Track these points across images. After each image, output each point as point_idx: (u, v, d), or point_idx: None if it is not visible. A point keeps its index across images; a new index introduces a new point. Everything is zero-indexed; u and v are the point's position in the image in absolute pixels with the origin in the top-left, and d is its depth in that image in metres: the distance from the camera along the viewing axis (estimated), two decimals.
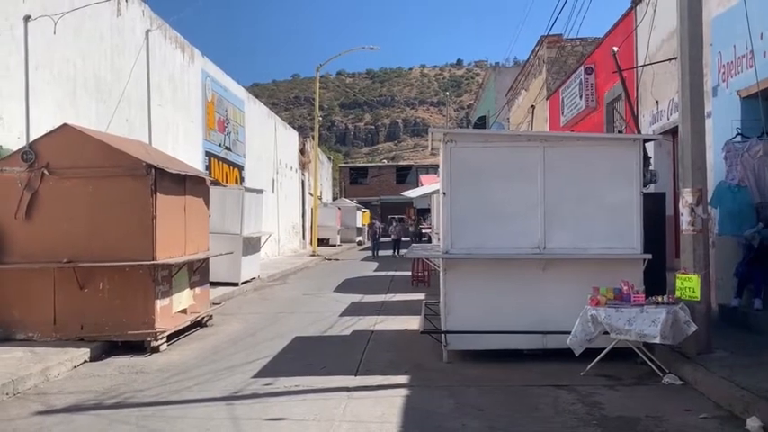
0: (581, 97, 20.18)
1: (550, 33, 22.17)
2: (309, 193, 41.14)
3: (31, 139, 11.25)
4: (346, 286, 19.70)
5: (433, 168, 56.16)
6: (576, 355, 8.48)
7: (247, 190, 20.43)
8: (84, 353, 9.72)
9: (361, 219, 52.93)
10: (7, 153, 10.92)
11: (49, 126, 11.24)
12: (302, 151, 40.85)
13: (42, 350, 9.62)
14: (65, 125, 10.91)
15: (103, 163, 10.51)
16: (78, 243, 10.36)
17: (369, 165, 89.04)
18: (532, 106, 24.62)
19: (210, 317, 13.09)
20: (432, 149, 11.67)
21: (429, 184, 26.49)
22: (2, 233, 10.46)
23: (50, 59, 12.52)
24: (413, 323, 12.15)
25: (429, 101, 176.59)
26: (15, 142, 11.27)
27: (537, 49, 26.46)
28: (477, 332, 9.20)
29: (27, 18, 11.73)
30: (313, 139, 41.62)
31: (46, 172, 10.46)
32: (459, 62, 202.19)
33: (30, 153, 10.55)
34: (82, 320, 10.35)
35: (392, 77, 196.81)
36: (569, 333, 8.52)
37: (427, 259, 14.45)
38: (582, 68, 20.21)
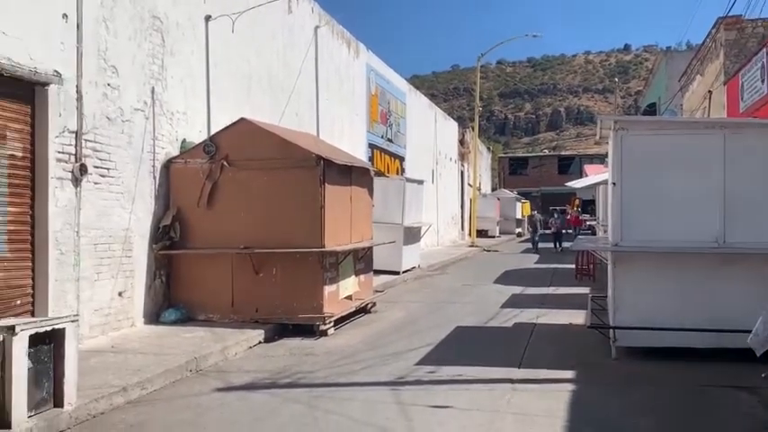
0: (763, 81, 18.74)
1: (729, 15, 20.67)
2: (468, 184, 41.08)
3: (212, 133, 11.99)
4: (507, 278, 19.51)
5: (597, 158, 54.27)
6: (758, 355, 7.89)
7: (408, 180, 20.72)
8: (259, 334, 10.26)
9: (521, 210, 52.17)
10: (190, 146, 11.71)
11: (227, 120, 11.92)
12: (461, 142, 40.83)
13: (221, 330, 10.27)
14: (242, 119, 11.55)
15: (276, 154, 11.03)
16: (253, 230, 10.95)
17: (529, 155, 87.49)
18: (709, 92, 23.15)
19: (374, 304, 13.41)
20: (599, 138, 11.27)
21: (594, 175, 25.57)
22: (186, 220, 11.26)
23: (228, 57, 13.28)
24: (578, 317, 11.83)
25: (593, 88, 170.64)
26: (197, 136, 12.06)
27: (714, 31, 24.84)
28: (648, 329, 8.80)
29: (208, 18, 12.50)
30: (472, 129, 41.51)
31: (225, 163, 11.13)
32: (627, 47, 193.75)
33: (211, 146, 11.27)
34: (257, 304, 10.94)
35: (554, 65, 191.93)
36: (748, 332, 7.95)
37: (594, 252, 13.99)
38: (764, 51, 18.75)
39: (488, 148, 63.81)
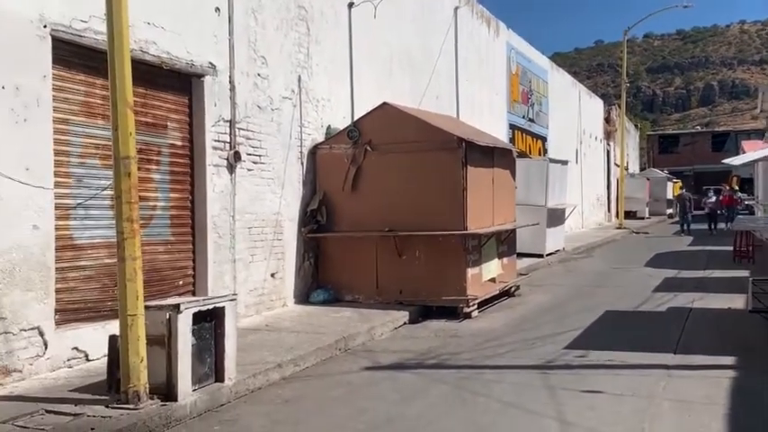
0: None
1: None
2: (615, 164, 39.59)
3: (355, 118, 12.22)
4: (658, 261, 18.67)
5: (756, 133, 50.75)
6: None
7: (552, 161, 20.23)
8: (404, 316, 10.40)
9: (672, 190, 49.70)
10: (335, 132, 12.00)
11: (369, 105, 12.10)
12: (607, 120, 39.37)
13: (366, 311, 10.49)
14: (384, 103, 11.69)
15: (418, 137, 11.09)
16: (396, 213, 11.08)
17: (680, 132, 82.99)
18: None
19: (518, 287, 13.25)
20: (759, 111, 10.54)
21: (753, 151, 23.92)
22: (332, 204, 11.56)
23: (369, 42, 13.47)
24: (737, 302, 11.16)
25: (749, 60, 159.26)
26: (341, 121, 12.33)
27: None
28: None
29: (350, 5, 12.73)
30: (618, 107, 39.88)
31: (368, 148, 11.32)
32: None
33: (354, 131, 11.49)
34: (400, 285, 11.08)
35: (706, 37, 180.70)
36: None
37: (755, 232, 13.13)
38: None
39: (636, 126, 61.16)
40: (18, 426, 5.50)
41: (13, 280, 6.70)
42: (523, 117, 24.41)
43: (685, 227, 30.25)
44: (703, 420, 5.85)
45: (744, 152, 28.39)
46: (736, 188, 38.25)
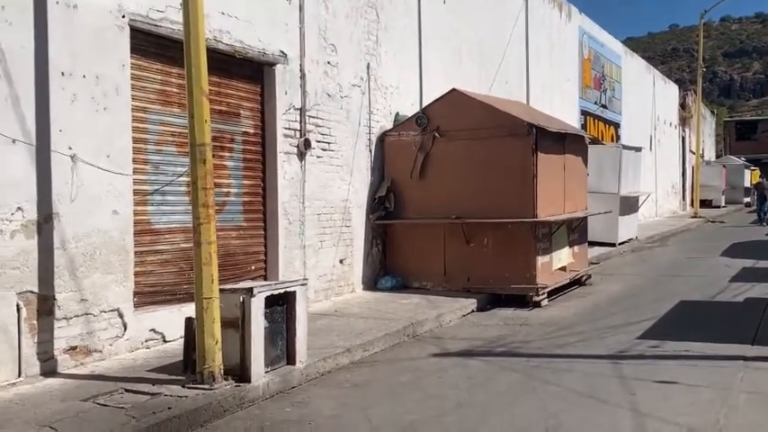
0: None
1: None
2: (690, 151, 38.41)
3: (423, 105, 12.19)
4: (735, 250, 18.06)
5: None
6: None
7: (625, 148, 19.75)
8: (472, 303, 10.36)
9: (750, 178, 47.98)
10: (403, 119, 11.99)
11: (438, 92, 12.04)
12: (682, 106, 38.18)
13: (434, 298, 10.50)
14: (452, 90, 11.62)
15: (487, 124, 10.99)
16: (464, 200, 11.02)
17: (758, 118, 79.85)
18: None
19: (589, 276, 13.03)
20: None
21: None
22: (400, 191, 11.58)
23: (439, 29, 13.40)
24: None
25: None
26: (409, 109, 12.31)
27: None
28: None
29: None
30: (694, 92, 38.64)
31: (436, 134, 11.28)
32: None
33: (423, 118, 11.46)
34: (468, 273, 11.03)
35: None
36: None
37: None
38: None
39: (712, 112, 59.18)
40: (99, 404, 5.71)
41: (93, 263, 6.95)
42: (595, 103, 23.92)
43: (763, 216, 28.77)
44: None
45: None
46: None
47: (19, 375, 6.23)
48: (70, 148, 6.71)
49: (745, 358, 7.31)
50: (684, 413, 5.68)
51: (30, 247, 6.37)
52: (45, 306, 6.50)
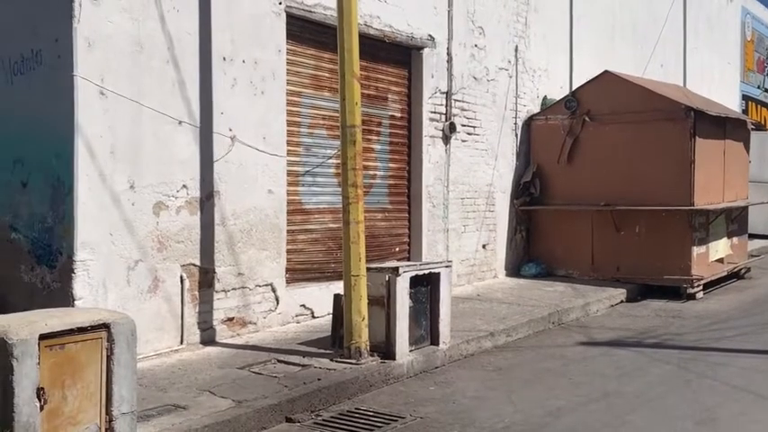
0: None
1: None
2: None
3: (572, 89, 11.86)
4: None
5: None
6: None
7: None
8: (621, 293, 10.02)
9: None
10: (551, 103, 11.73)
11: (589, 74, 11.66)
12: None
13: (581, 287, 10.23)
14: (605, 72, 11.23)
15: (641, 107, 10.55)
16: (615, 186, 10.64)
17: None
18: None
19: (748, 269, 12.28)
20: None
21: None
22: (546, 176, 11.35)
23: (591, 9, 12.99)
24: None
25: None
26: (558, 92, 12.02)
27: None
28: None
29: None
30: None
31: (587, 118, 10.95)
32: None
33: (572, 101, 11.16)
34: (617, 262, 10.67)
35: None
36: None
37: None
38: None
39: None
40: (253, 372, 6.00)
41: (250, 239, 7.29)
42: (759, 87, 22.41)
43: None
44: None
45: None
46: None
47: (181, 343, 6.66)
48: (230, 130, 7.06)
49: None
50: None
51: (193, 223, 6.78)
52: (206, 278, 6.90)
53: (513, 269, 11.33)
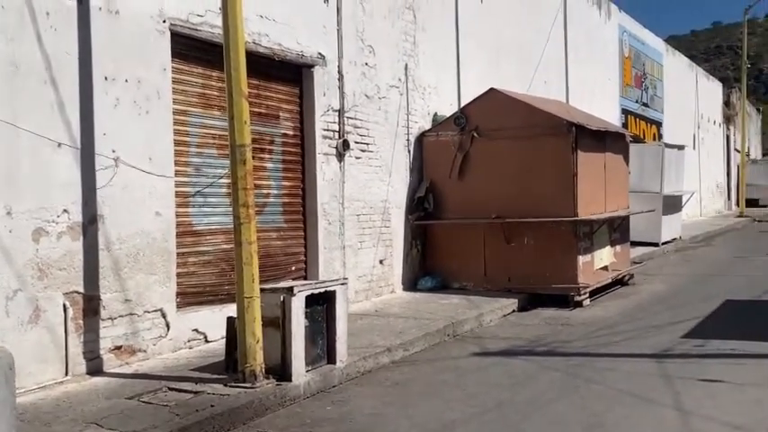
0: None
1: None
2: (735, 150, 37.64)
3: (462, 105, 12.14)
4: None
5: None
6: None
7: (667, 146, 19.44)
8: (512, 303, 10.30)
9: None
10: (441, 119, 11.98)
11: (477, 91, 11.97)
12: (726, 104, 37.47)
13: (475, 298, 10.45)
14: (491, 89, 11.57)
15: (526, 123, 10.92)
16: (504, 199, 10.94)
17: None
18: None
19: (631, 275, 12.85)
20: None
21: None
22: (439, 191, 11.56)
23: (476, 29, 13.35)
24: None
25: None
26: (448, 109, 12.28)
27: None
28: None
29: None
30: (739, 90, 37.87)
31: (475, 134, 11.24)
32: None
33: (461, 118, 11.43)
34: (509, 273, 10.96)
35: None
36: None
37: None
38: None
39: (758, 110, 57.77)
40: (143, 401, 5.80)
41: (137, 264, 7.06)
42: (636, 101, 23.61)
43: None
44: None
45: None
46: None
47: (66, 374, 6.36)
48: (114, 152, 6.83)
49: None
50: (731, 412, 5.57)
51: (75, 249, 6.50)
52: (90, 306, 6.62)
53: (410, 283, 11.45)
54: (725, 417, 5.43)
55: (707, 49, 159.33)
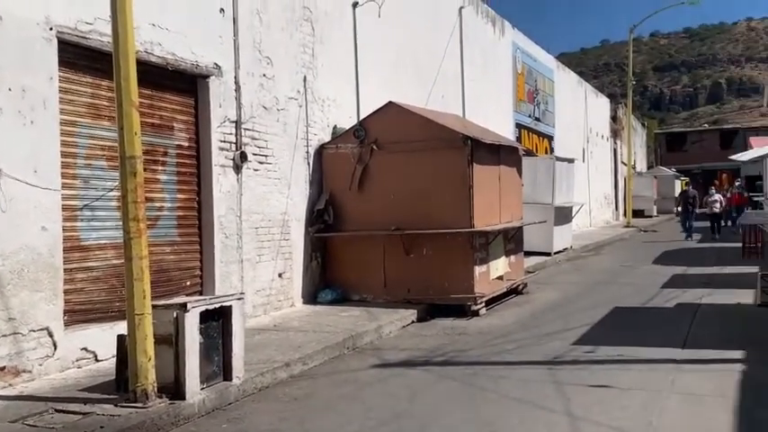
0: None
1: None
2: (622, 162, 39.47)
3: (361, 118, 12.21)
4: (667, 258, 18.61)
5: (764, 131, 50.60)
6: None
7: (558, 159, 20.21)
8: (412, 314, 10.40)
9: (681, 187, 49.53)
10: (341, 132, 12.01)
11: (376, 104, 12.06)
12: (614, 119, 39.29)
13: (375, 310, 10.49)
14: (389, 102, 11.69)
15: (424, 136, 11.09)
16: (403, 212, 11.07)
17: (687, 130, 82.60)
18: None
19: (525, 285, 13.22)
20: (766, 106, 10.49)
21: (760, 147, 23.85)
22: (339, 203, 11.57)
23: (375, 42, 13.47)
24: (746, 297, 11.11)
25: (757, 57, 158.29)
26: (347, 121, 12.33)
27: None
28: None
29: (355, 5, 12.72)
30: (625, 105, 39.79)
31: (374, 147, 11.33)
32: None
33: (360, 130, 11.49)
34: (408, 284, 11.07)
35: (713, 34, 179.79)
36: None
37: (763, 227, 13.07)
38: None
39: (643, 125, 60.95)
40: (28, 425, 5.53)
41: (21, 281, 6.73)
42: (530, 116, 24.39)
43: (689, 228, 25.54)
44: (712, 413, 5.84)
45: (752, 149, 28.11)
46: (740, 188, 34.94)
47: None
48: None
49: (675, 361, 7.54)
50: (618, 416, 5.80)
51: None
52: None
53: (311, 296, 11.39)
54: (613, 422, 5.66)
55: (596, 66, 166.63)
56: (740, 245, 18.66)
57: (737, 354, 7.70)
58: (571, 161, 21.70)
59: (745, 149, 39.43)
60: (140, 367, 5.98)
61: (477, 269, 10.99)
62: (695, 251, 20.71)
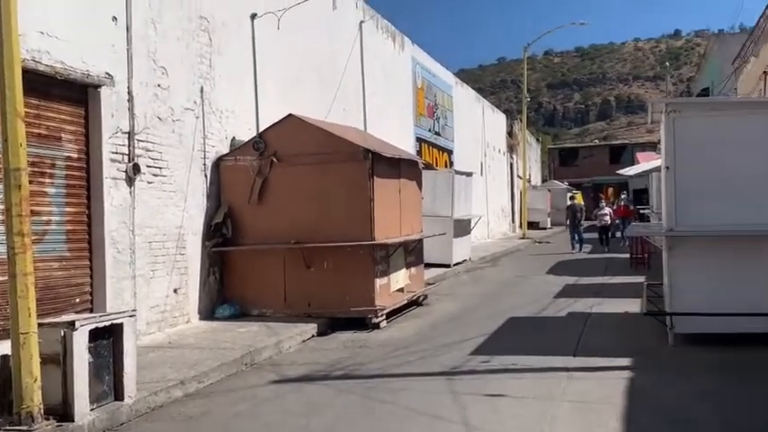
0: None
1: None
2: (518, 176, 40.70)
3: (260, 130, 12.09)
4: (560, 269, 19.27)
5: (650, 146, 53.26)
6: None
7: (457, 173, 20.62)
8: (312, 328, 10.34)
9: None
10: (240, 144, 11.84)
11: (276, 116, 11.97)
12: (510, 134, 40.48)
13: (274, 325, 10.37)
14: (289, 115, 11.63)
15: (325, 149, 11.09)
16: (304, 225, 11.02)
17: (579, 145, 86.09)
18: (765, 72, 22.48)
19: (426, 296, 13.40)
20: (651, 123, 11.04)
21: (646, 162, 25.09)
22: (238, 217, 11.40)
23: (274, 54, 13.38)
24: (633, 306, 11.62)
25: (644, 76, 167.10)
26: (246, 133, 12.18)
27: None
28: (705, 314, 8.58)
29: (253, 16, 12.59)
30: (520, 121, 41.10)
31: (274, 159, 11.24)
32: (677, 33, 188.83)
33: (260, 142, 11.38)
34: (309, 298, 11.01)
35: (603, 54, 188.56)
36: None
37: (648, 238, 13.71)
38: None
39: (537, 140, 63.10)
40: None
41: None
42: (429, 130, 24.79)
43: (576, 242, 25.79)
44: (601, 419, 6.05)
45: (638, 163, 29.52)
46: (627, 200, 35.67)
47: None
48: None
49: (567, 369, 7.78)
50: (511, 425, 5.95)
51: None
52: None
53: (208, 312, 11.14)
54: (506, 430, 5.79)
55: (493, 83, 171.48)
56: (628, 256, 19.53)
57: (625, 361, 8.05)
58: (469, 175, 22.18)
59: (632, 164, 41.41)
60: (26, 388, 5.69)
61: (378, 282, 11.06)
62: (586, 262, 21.53)
